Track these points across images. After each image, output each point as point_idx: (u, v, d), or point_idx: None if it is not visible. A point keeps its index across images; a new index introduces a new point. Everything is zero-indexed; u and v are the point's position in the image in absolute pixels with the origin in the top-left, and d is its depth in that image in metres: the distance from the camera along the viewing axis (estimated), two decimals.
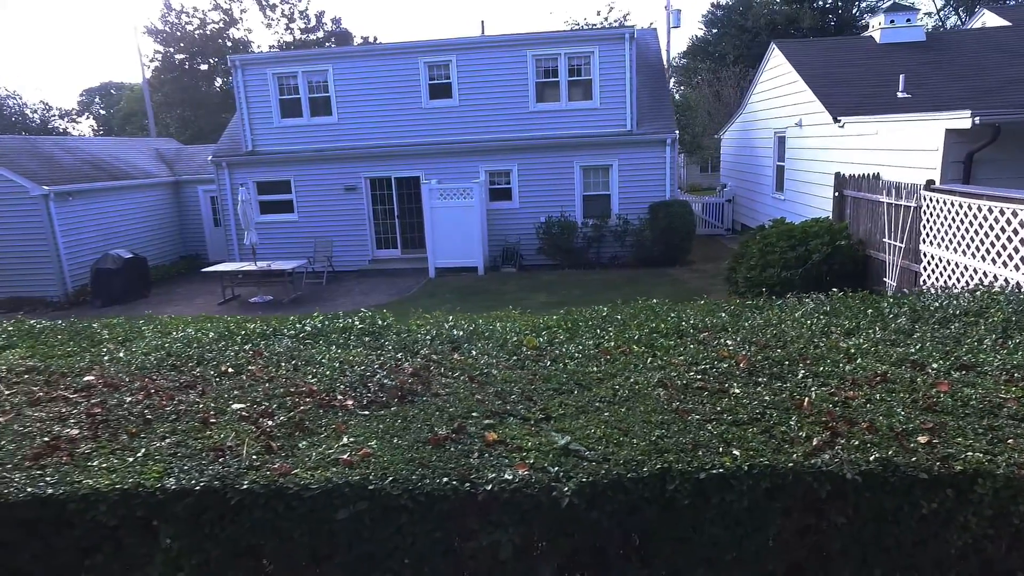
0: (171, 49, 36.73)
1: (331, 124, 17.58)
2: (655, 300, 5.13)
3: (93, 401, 3.31)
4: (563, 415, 2.98)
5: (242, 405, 3.24)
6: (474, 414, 3.03)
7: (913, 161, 10.05)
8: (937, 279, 8.54)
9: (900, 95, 13.15)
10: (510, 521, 2.44)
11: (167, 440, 2.89)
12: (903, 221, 9.45)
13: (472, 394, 3.26)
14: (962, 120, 8.67)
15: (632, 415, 2.93)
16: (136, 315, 5.86)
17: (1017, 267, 6.89)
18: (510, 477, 2.46)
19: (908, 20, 15.58)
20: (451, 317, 4.85)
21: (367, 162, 17.54)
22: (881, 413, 2.81)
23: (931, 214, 8.66)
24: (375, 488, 2.47)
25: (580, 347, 3.96)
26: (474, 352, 3.97)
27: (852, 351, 3.49)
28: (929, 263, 8.78)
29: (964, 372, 3.21)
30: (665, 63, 23.04)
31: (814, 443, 2.54)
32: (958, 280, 7.97)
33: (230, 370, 3.78)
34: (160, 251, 19.12)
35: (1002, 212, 7.08)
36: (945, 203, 8.25)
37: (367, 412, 3.12)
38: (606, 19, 32.05)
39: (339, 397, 3.28)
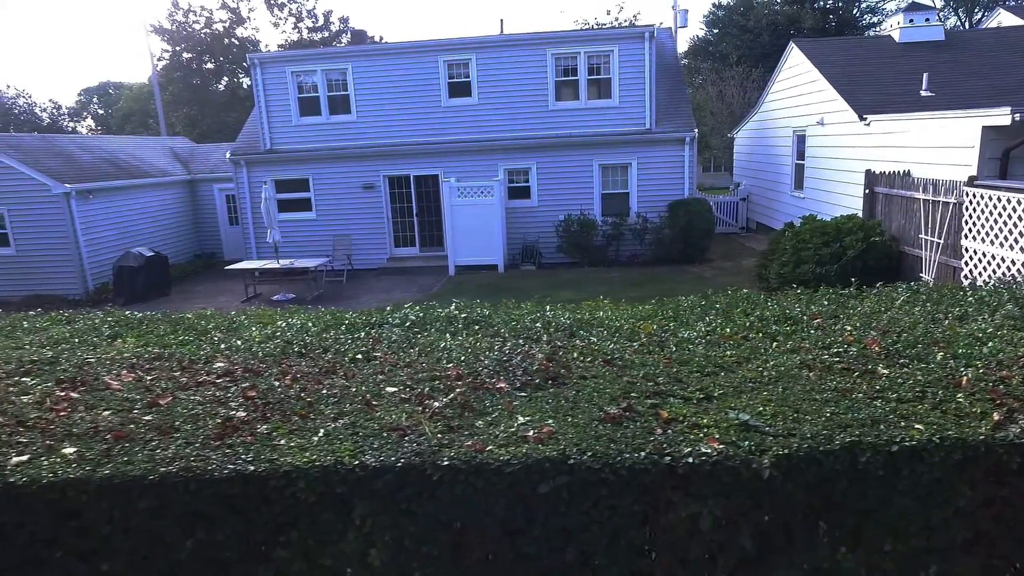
0: (178, 48, 36.55)
1: (350, 122, 17.58)
2: (729, 291, 5.13)
3: (243, 385, 3.34)
4: (723, 395, 3.05)
5: (395, 388, 3.28)
6: (632, 394, 3.09)
7: (946, 158, 10.21)
8: (980, 273, 8.69)
9: (924, 93, 13.34)
10: (710, 493, 2.51)
11: (340, 421, 2.93)
12: (941, 217, 9.61)
13: (619, 376, 3.33)
14: (1001, 117, 8.83)
15: (791, 394, 3.00)
16: (180, 309, 5.86)
17: None
18: (708, 451, 2.53)
19: (927, 19, 15.80)
20: (547, 307, 4.92)
21: (386, 160, 17.57)
22: None
23: (974, 209, 8.81)
24: (575, 463, 2.53)
25: (695, 333, 4.04)
26: (592, 338, 4.04)
27: (980, 335, 3.58)
28: (971, 258, 8.93)
29: None
30: None
31: (995, 418, 2.63)
32: (1004, 275, 8.12)
33: (359, 357, 3.83)
34: (176, 249, 19.04)
35: None
36: (991, 199, 8.41)
37: (524, 394, 3.18)
38: (616, 19, 32.24)
39: (488, 380, 3.33)
